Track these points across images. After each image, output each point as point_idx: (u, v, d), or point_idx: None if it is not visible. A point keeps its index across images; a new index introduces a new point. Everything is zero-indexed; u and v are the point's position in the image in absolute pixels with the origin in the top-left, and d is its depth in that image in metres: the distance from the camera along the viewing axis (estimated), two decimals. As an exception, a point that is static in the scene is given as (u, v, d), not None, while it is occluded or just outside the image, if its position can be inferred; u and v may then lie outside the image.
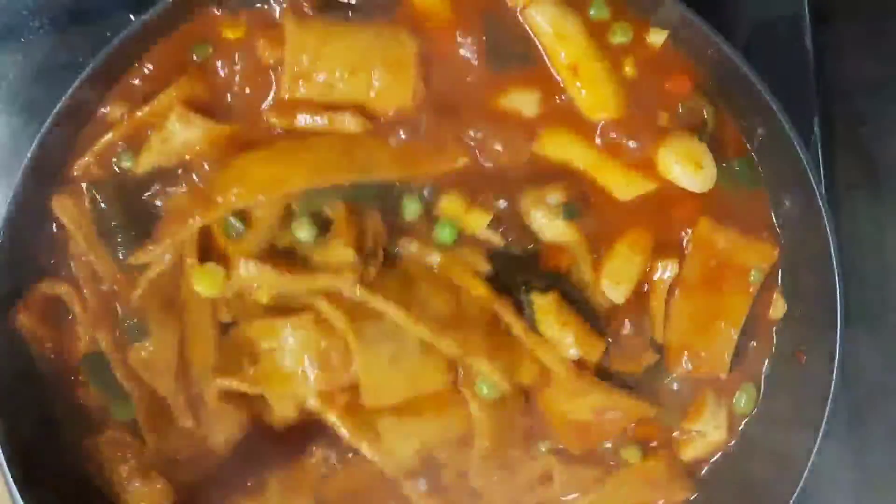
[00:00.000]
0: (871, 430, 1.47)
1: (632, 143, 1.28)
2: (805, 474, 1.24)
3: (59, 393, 1.28)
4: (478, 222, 1.26)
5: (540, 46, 1.28)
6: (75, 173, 1.26)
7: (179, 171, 1.26)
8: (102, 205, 1.25)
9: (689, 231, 1.30)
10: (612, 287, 1.28)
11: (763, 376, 1.35)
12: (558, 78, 1.28)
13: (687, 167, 1.27)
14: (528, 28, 1.27)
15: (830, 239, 1.23)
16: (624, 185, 1.29)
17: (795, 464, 1.25)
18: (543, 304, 1.26)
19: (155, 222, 1.26)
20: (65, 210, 1.25)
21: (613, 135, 1.28)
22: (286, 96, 1.25)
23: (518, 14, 1.27)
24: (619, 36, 1.27)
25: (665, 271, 1.29)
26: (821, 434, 1.23)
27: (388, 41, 1.25)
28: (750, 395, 1.33)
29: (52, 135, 1.22)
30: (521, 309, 1.27)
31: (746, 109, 1.28)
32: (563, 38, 1.26)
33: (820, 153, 1.44)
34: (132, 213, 1.25)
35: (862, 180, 1.48)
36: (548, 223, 1.27)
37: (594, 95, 1.27)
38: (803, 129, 1.36)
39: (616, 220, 1.30)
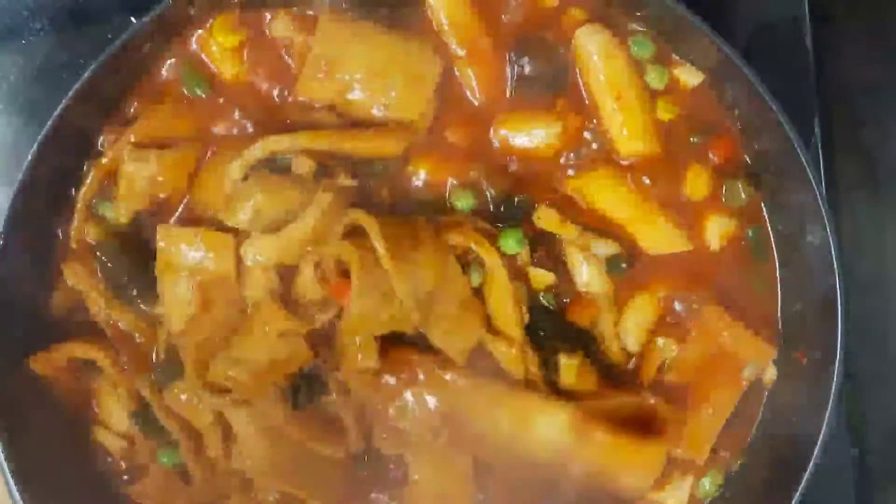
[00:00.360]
0: (872, 430, 1.47)
1: (662, 187, 1.30)
2: (806, 474, 1.24)
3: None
4: (542, 280, 1.27)
5: (578, 72, 1.29)
6: (73, 242, 1.27)
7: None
8: (109, 264, 1.25)
9: (696, 307, 1.31)
10: (630, 334, 1.30)
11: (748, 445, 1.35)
12: (594, 105, 1.28)
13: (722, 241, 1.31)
14: (568, 53, 1.28)
15: (831, 239, 1.23)
16: (661, 238, 1.30)
17: (797, 463, 1.25)
18: (569, 365, 1.26)
19: None
20: (77, 276, 1.25)
21: (646, 179, 1.29)
22: (299, 97, 1.26)
23: (548, 37, 1.29)
24: (656, 81, 1.29)
25: (664, 349, 1.30)
26: (822, 433, 1.23)
27: (414, 55, 1.26)
28: (715, 481, 1.33)
29: (53, 137, 1.22)
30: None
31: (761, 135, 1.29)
32: (611, 62, 1.27)
33: (820, 154, 1.44)
34: (141, 262, 1.26)
35: (862, 181, 1.48)
36: (590, 274, 1.28)
37: (633, 126, 1.28)
38: (803, 130, 1.36)
39: (640, 274, 1.31)
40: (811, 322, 1.29)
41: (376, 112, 1.26)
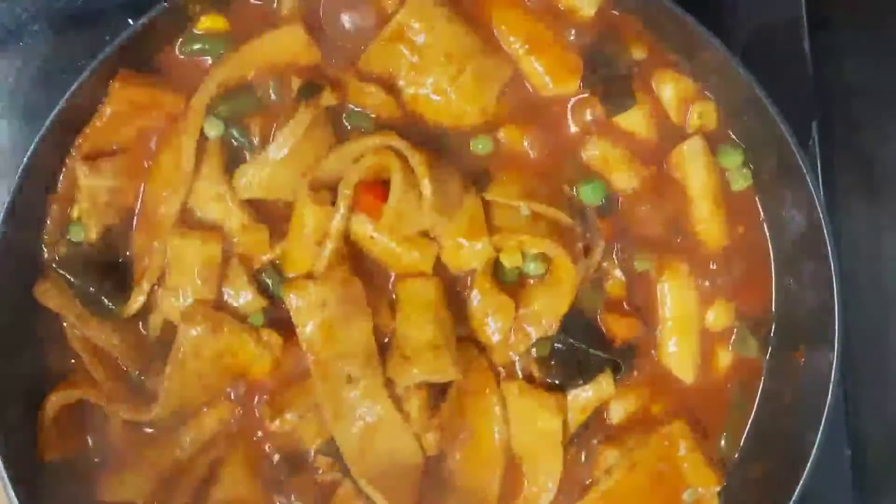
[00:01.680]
0: (869, 430, 1.47)
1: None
2: (805, 474, 1.23)
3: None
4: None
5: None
6: (45, 261, 1.26)
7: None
8: (76, 279, 1.25)
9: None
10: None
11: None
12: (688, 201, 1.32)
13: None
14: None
15: (828, 241, 1.23)
16: (682, 358, 1.32)
17: (796, 463, 1.24)
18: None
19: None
20: (48, 296, 1.25)
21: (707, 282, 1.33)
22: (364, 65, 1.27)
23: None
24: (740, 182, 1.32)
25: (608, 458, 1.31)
26: (819, 434, 1.23)
27: (490, 54, 1.28)
28: None
29: (51, 139, 1.22)
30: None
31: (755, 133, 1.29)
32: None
33: (818, 157, 1.44)
34: (107, 272, 1.26)
35: (860, 183, 1.48)
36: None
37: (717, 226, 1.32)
38: (802, 133, 1.36)
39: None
40: (809, 323, 1.29)
41: (436, 97, 1.27)
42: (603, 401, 1.30)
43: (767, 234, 1.34)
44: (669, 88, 1.31)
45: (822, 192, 1.28)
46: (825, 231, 1.23)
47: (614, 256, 1.30)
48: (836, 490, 1.45)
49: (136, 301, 1.25)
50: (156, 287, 1.26)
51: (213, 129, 1.24)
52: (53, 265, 1.25)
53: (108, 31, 1.35)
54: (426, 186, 1.19)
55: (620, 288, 1.31)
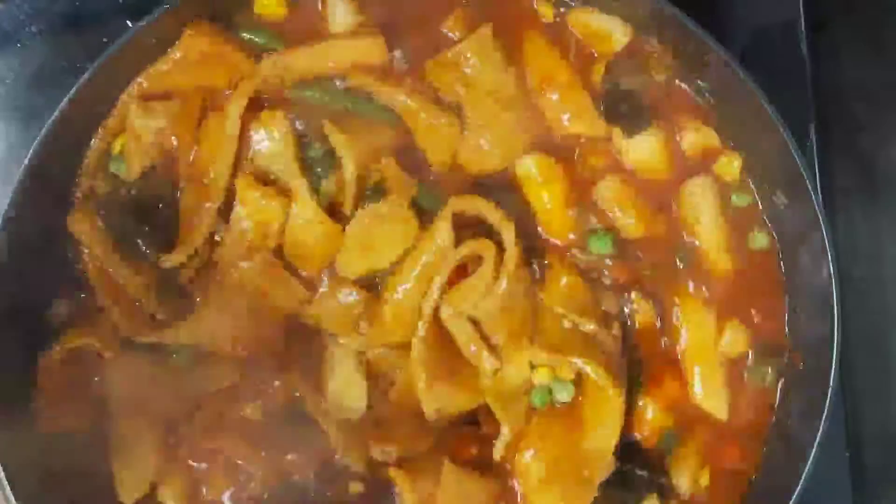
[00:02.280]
0: (870, 432, 1.47)
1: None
2: (804, 476, 1.24)
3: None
4: None
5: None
6: (80, 194, 1.26)
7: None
8: (111, 218, 1.25)
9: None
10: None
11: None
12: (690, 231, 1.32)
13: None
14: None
15: (827, 243, 1.23)
16: (713, 395, 1.31)
17: (795, 465, 1.25)
18: None
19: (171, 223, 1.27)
20: (80, 226, 1.25)
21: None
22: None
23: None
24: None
25: None
26: (818, 436, 1.24)
27: (528, 108, 1.31)
28: None
29: (50, 140, 1.22)
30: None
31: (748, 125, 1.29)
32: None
33: (816, 158, 1.44)
34: (145, 215, 1.26)
35: (858, 185, 1.48)
36: None
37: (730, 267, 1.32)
38: (800, 135, 1.36)
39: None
40: (808, 325, 1.29)
41: (467, 133, 1.29)
42: None
43: (772, 234, 1.34)
44: (691, 135, 1.31)
45: (820, 194, 1.27)
46: (824, 233, 1.23)
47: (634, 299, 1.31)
48: (835, 492, 1.45)
49: (181, 256, 1.25)
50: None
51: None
52: (91, 201, 1.25)
53: (105, 33, 1.35)
54: (503, 280, 1.21)
55: (652, 329, 1.31)
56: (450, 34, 1.30)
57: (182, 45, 1.24)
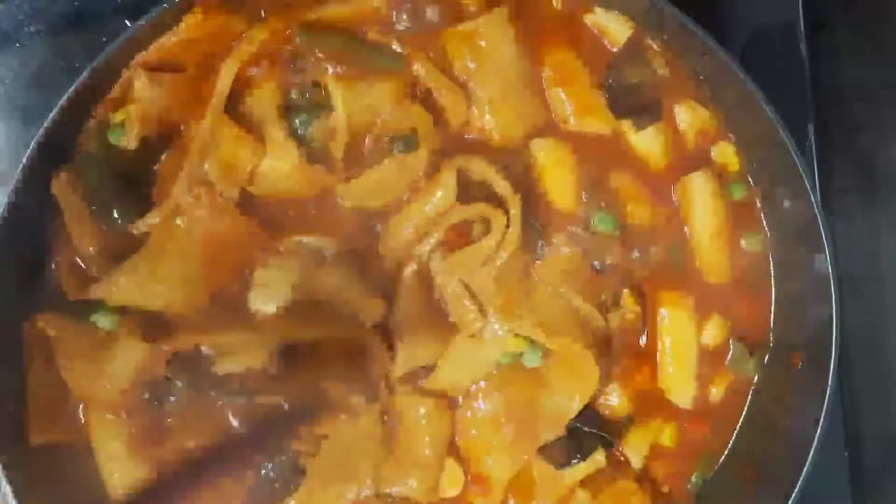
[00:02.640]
0: (869, 432, 1.47)
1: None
2: (803, 476, 1.24)
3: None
4: None
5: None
6: (76, 152, 1.25)
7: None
8: (97, 179, 1.23)
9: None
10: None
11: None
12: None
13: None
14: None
15: (826, 243, 1.24)
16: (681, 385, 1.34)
17: (794, 465, 1.25)
18: None
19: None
20: (61, 188, 1.23)
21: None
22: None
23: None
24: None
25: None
26: (817, 437, 1.24)
27: (533, 95, 1.31)
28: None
29: (49, 140, 1.21)
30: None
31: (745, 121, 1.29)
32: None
33: (815, 158, 1.44)
34: (130, 185, 1.24)
35: (857, 185, 1.48)
36: None
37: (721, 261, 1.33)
38: (799, 135, 1.36)
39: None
40: (806, 325, 1.29)
41: (472, 109, 1.28)
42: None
43: (767, 232, 1.34)
44: (687, 116, 1.32)
45: (819, 194, 1.27)
46: (823, 233, 1.24)
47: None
48: (833, 492, 1.45)
49: (153, 219, 1.23)
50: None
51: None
52: (81, 162, 1.24)
53: (105, 33, 1.35)
54: (504, 252, 1.24)
55: (634, 329, 1.33)
56: (469, 7, 1.29)
57: (188, 27, 1.23)
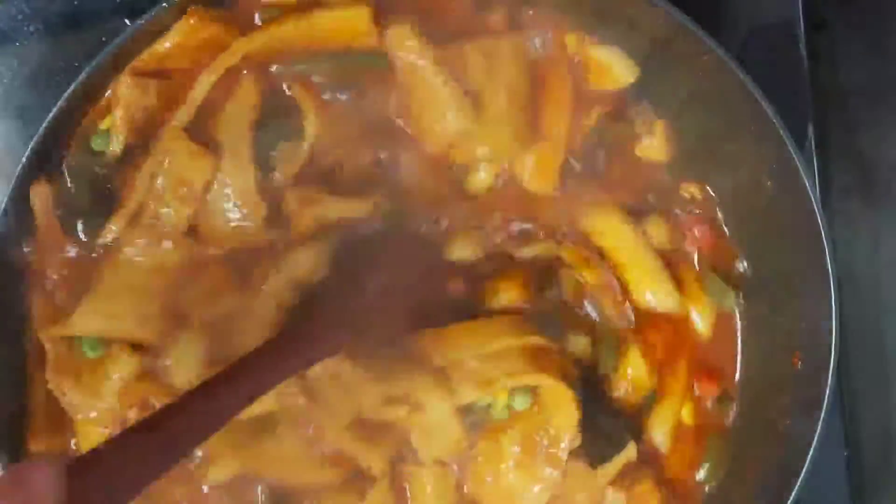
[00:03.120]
0: (868, 432, 1.47)
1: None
2: (802, 476, 1.24)
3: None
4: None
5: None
6: (63, 167, 1.24)
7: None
8: (72, 188, 1.23)
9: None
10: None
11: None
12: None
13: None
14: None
15: (825, 243, 1.23)
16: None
17: (792, 465, 1.25)
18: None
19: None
20: (37, 194, 1.22)
21: None
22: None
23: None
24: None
25: None
26: (815, 438, 1.24)
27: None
28: None
29: (47, 140, 1.22)
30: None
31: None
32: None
33: (815, 158, 1.44)
34: (101, 197, 1.24)
35: (857, 185, 1.48)
36: None
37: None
38: (798, 135, 1.36)
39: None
40: (805, 324, 1.29)
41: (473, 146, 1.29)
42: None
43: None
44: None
45: (818, 193, 1.27)
46: (822, 233, 1.23)
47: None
48: (832, 491, 1.45)
49: (115, 224, 1.22)
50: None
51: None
52: (61, 172, 1.23)
53: (104, 33, 1.35)
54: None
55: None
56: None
57: (179, 33, 1.22)
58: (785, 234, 1.31)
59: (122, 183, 1.24)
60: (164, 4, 1.21)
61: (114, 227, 1.23)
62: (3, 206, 1.21)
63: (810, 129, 1.44)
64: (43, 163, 1.22)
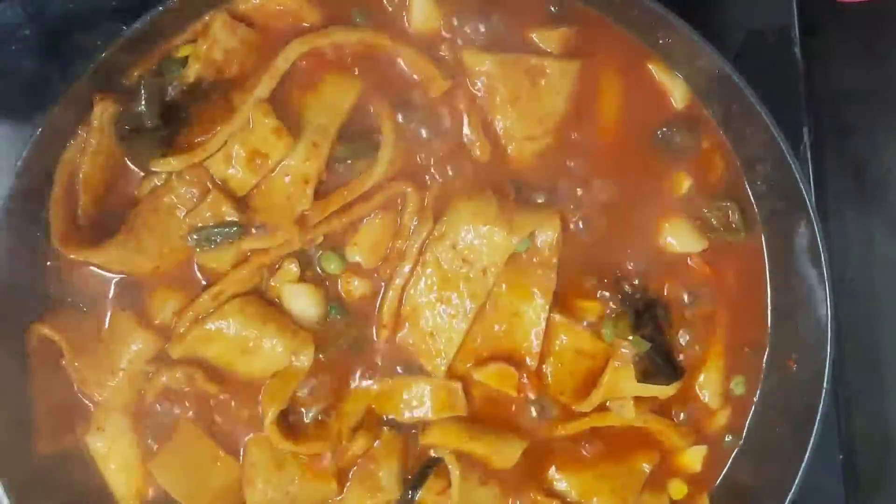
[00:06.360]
0: (863, 436, 1.47)
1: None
2: (798, 479, 1.24)
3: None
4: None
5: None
6: (130, 80, 1.26)
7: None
8: (143, 105, 1.22)
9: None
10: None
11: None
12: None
13: None
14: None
15: (820, 246, 1.24)
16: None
17: (788, 468, 1.25)
18: None
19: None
20: (103, 108, 1.23)
21: None
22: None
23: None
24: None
25: None
26: (812, 440, 1.24)
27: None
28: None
29: (41, 144, 1.22)
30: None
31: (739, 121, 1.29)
32: None
33: (810, 162, 1.45)
34: (170, 121, 1.24)
35: (851, 189, 1.48)
36: None
37: None
38: (793, 139, 1.37)
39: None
40: (801, 328, 1.29)
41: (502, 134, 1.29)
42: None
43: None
44: None
45: (813, 197, 1.28)
46: (818, 236, 1.24)
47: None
48: (827, 494, 1.45)
49: (169, 164, 1.23)
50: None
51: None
52: (134, 84, 1.25)
53: (100, 36, 1.35)
54: None
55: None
56: (539, 44, 1.30)
57: None
58: (780, 236, 1.31)
59: (187, 120, 1.25)
60: (160, 7, 1.21)
61: (173, 162, 1.23)
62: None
63: (805, 133, 1.44)
64: (36, 168, 1.23)
